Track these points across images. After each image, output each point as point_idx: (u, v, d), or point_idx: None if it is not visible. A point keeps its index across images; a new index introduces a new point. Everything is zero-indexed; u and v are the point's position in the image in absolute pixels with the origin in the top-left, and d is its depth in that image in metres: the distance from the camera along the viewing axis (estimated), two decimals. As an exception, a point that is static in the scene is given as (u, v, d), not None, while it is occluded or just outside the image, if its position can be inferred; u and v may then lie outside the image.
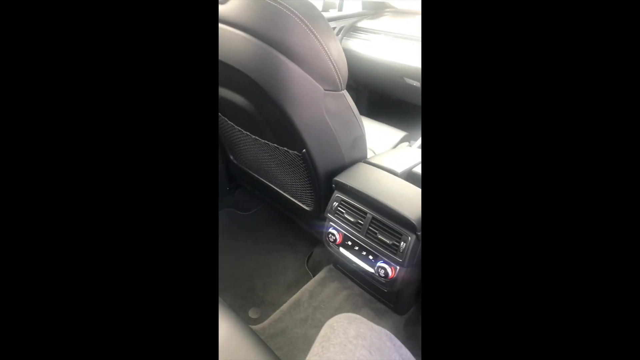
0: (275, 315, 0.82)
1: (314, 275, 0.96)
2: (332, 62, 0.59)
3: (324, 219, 0.76)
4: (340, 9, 1.35)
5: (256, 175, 0.96)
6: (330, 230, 0.73)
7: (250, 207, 1.21)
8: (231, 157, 1.02)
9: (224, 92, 0.73)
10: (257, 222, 1.17)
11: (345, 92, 0.66)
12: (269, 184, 0.93)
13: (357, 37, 1.22)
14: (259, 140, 0.78)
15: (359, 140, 0.76)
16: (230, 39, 0.59)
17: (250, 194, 1.21)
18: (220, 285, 0.96)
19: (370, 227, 0.67)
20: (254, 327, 0.81)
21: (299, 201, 0.86)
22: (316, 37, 0.56)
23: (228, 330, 0.52)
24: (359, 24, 1.25)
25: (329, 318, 0.81)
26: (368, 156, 0.80)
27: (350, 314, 0.39)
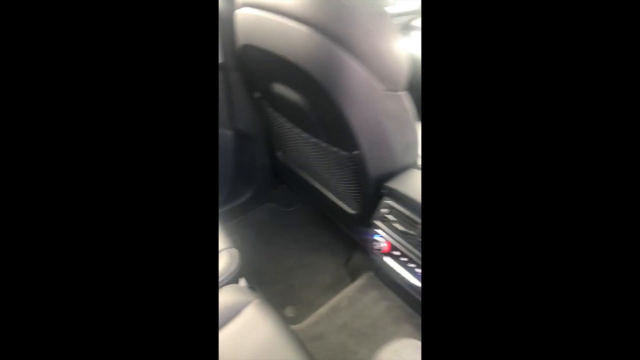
0: (313, 317, 0.81)
1: (352, 280, 0.93)
2: (395, 61, 0.55)
3: (369, 224, 0.73)
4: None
5: (301, 173, 0.95)
6: (376, 237, 0.70)
7: (292, 203, 1.21)
8: (278, 154, 1.02)
9: (278, 87, 0.73)
10: (298, 219, 1.17)
11: (406, 93, 0.62)
12: (314, 184, 0.92)
13: (411, 36, 1.16)
14: (309, 139, 0.77)
15: (413, 145, 0.71)
16: (290, 34, 0.58)
17: (293, 190, 1.21)
18: (259, 279, 0.96)
19: (421, 239, 0.63)
20: (292, 327, 0.80)
21: (344, 203, 0.84)
22: (381, 34, 0.53)
23: (271, 330, 0.51)
24: (414, 23, 1.19)
25: (368, 327, 0.79)
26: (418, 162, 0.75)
27: (416, 342, 0.36)
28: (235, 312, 0.54)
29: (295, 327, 0.80)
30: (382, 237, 0.69)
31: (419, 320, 0.78)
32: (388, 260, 0.69)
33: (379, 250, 0.70)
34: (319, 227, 1.12)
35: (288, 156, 0.98)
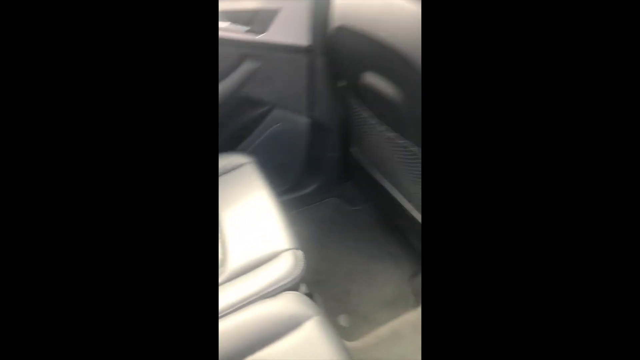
0: (370, 338, 0.74)
1: (415, 301, 0.83)
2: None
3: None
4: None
5: (375, 173, 0.87)
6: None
7: (358, 202, 1.13)
8: (352, 149, 0.94)
9: (369, 77, 0.64)
10: (362, 220, 1.09)
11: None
12: (389, 188, 0.82)
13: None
14: (396, 139, 0.67)
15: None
16: (398, 14, 0.48)
17: (361, 188, 1.13)
18: (315, 277, 0.92)
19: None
20: (347, 343, 0.74)
21: (424, 217, 0.73)
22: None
23: (330, 354, 0.45)
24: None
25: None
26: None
27: None
28: (295, 324, 0.49)
29: (350, 344, 0.74)
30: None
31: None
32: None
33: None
34: (384, 233, 1.03)
35: (363, 153, 0.90)
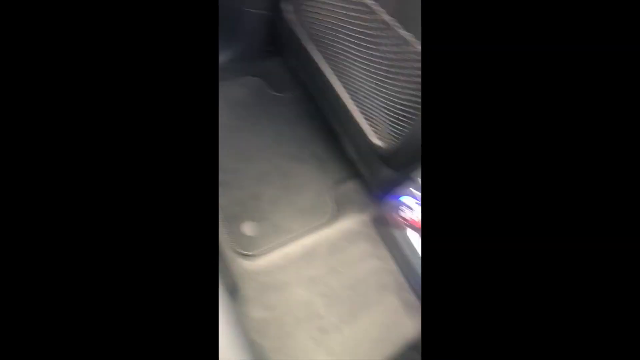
0: (277, 257, 0.63)
1: (337, 211, 0.74)
2: None
3: (403, 178, 0.48)
4: None
5: (313, 51, 0.61)
6: (407, 200, 0.46)
7: (284, 87, 0.89)
8: (285, 6, 0.64)
9: None
10: (287, 111, 0.87)
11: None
12: (329, 75, 0.60)
13: None
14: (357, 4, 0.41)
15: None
16: None
17: (291, 69, 0.87)
18: (220, 177, 0.73)
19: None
20: (245, 262, 0.62)
21: (371, 126, 0.55)
22: None
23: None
24: None
25: (345, 289, 0.64)
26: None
27: None
28: None
29: (250, 264, 0.62)
30: (419, 204, 0.46)
31: (409, 296, 0.64)
32: (411, 235, 0.48)
33: (405, 220, 0.47)
34: (313, 132, 0.85)
35: (302, 15, 0.61)
